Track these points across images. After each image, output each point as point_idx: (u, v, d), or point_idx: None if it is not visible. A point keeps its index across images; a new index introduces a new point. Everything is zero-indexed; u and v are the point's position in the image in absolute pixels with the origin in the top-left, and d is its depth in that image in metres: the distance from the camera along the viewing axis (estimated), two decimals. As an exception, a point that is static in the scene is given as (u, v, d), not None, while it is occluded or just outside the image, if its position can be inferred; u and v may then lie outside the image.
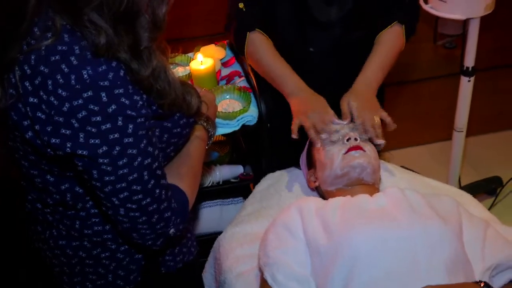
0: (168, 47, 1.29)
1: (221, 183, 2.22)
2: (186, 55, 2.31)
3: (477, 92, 2.60)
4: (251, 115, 2.04)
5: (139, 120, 1.15)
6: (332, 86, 1.97)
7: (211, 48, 2.29)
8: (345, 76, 1.99)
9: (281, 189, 1.98)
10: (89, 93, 1.10)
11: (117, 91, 1.12)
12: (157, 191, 1.21)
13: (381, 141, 1.83)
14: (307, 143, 1.95)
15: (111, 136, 1.13)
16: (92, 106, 1.11)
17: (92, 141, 1.13)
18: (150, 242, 1.27)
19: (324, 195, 1.85)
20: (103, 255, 1.38)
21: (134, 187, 1.18)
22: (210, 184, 2.20)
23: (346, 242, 1.49)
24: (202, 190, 2.16)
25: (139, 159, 1.16)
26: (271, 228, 1.66)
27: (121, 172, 1.16)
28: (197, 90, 1.39)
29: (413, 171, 2.91)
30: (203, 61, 2.13)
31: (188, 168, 1.40)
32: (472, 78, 2.53)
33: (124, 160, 1.15)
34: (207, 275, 1.93)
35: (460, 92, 2.59)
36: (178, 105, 1.28)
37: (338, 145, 1.79)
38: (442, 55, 3.17)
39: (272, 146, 2.10)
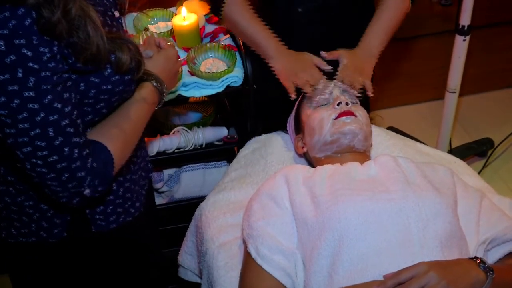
0: None
1: (204, 145, 2.14)
2: (168, 9, 2.19)
3: (470, 50, 2.53)
4: (236, 75, 1.94)
5: (43, 73, 1.10)
6: (320, 50, 1.87)
7: (195, 3, 2.18)
8: (334, 41, 1.89)
9: (267, 154, 1.90)
10: None
11: (17, 41, 1.06)
12: (67, 149, 1.16)
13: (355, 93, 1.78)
14: (295, 105, 1.86)
15: (10, 88, 1.08)
16: None
17: None
18: (64, 200, 1.22)
19: (312, 162, 1.76)
20: (27, 203, 1.35)
21: (38, 143, 1.14)
22: (192, 147, 2.10)
23: (334, 215, 1.42)
24: (184, 153, 2.09)
25: (41, 115, 1.12)
26: (256, 197, 1.58)
27: (21, 126, 1.12)
28: (136, 46, 1.30)
29: (403, 132, 2.88)
30: (186, 16, 2.02)
31: (122, 131, 1.31)
32: (468, 37, 2.47)
33: (24, 114, 1.11)
34: (189, 243, 1.86)
35: (454, 51, 2.53)
36: (101, 61, 1.21)
37: (328, 109, 1.70)
38: (438, 12, 3.07)
39: (258, 108, 2.01)
